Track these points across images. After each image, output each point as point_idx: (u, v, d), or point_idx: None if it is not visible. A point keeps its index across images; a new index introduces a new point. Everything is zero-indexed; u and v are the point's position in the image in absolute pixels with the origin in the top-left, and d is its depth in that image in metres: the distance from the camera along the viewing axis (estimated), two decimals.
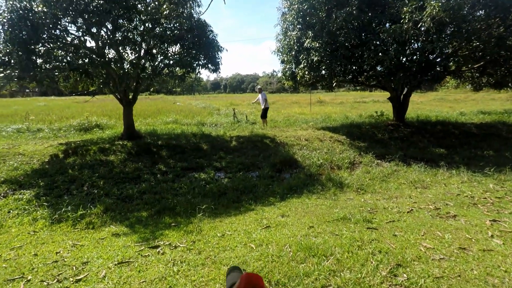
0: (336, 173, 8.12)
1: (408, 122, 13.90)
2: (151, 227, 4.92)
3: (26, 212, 5.67)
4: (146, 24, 9.88)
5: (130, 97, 10.80)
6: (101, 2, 8.09)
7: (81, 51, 9.02)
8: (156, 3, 9.16)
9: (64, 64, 8.90)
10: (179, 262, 3.39)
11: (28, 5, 7.88)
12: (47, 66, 8.92)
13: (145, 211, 5.87)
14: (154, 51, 10.56)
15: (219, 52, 11.08)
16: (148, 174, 7.93)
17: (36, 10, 7.98)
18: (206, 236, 4.17)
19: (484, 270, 3.05)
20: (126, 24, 9.62)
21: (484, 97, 32.68)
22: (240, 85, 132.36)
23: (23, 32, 7.73)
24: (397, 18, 9.21)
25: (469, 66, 10.99)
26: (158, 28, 10.04)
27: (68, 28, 9.10)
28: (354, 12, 9.48)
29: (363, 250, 3.45)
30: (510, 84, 12.32)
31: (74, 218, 5.31)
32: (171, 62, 10.61)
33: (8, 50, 8.15)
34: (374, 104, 29.17)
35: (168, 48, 10.67)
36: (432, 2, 7.98)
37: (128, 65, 10.52)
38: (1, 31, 7.85)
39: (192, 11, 10.13)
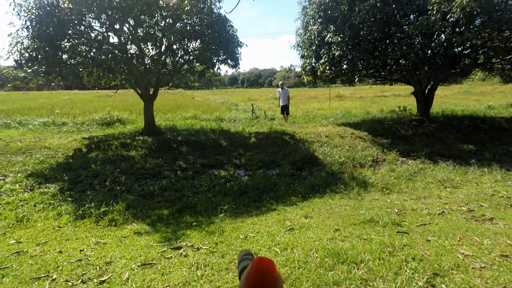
0: (359, 172, 7.88)
1: (433, 117, 13.38)
2: (173, 226, 4.89)
3: (51, 207, 5.76)
4: (167, 20, 9.88)
5: (151, 92, 10.86)
6: None
7: (104, 47, 9.12)
8: None
9: (88, 59, 9.04)
10: (202, 265, 3.31)
11: (55, 1, 8.05)
12: (72, 61, 9.09)
13: (166, 209, 5.85)
14: (175, 46, 10.57)
15: (238, 48, 10.96)
16: (168, 170, 7.94)
17: (62, 6, 8.13)
18: (229, 238, 4.09)
19: None
20: (147, 20, 9.65)
21: None
22: (258, 79, 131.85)
23: (50, 28, 7.90)
24: (423, 10, 8.81)
25: (500, 57, 10.40)
26: (178, 24, 10.02)
27: (92, 24, 9.24)
28: (378, 4, 9.12)
29: (395, 257, 3.27)
30: None
31: (97, 214, 5.35)
32: (191, 57, 10.58)
33: (36, 46, 8.34)
34: (395, 98, 28.39)
35: (189, 44, 10.65)
36: None
37: (149, 61, 10.58)
38: (30, 27, 8.04)
39: (213, 6, 10.03)
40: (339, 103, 23.76)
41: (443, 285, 2.77)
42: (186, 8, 9.25)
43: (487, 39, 9.29)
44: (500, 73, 12.95)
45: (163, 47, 10.34)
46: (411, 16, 9.72)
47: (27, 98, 31.77)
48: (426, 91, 12.84)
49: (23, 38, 8.53)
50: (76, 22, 8.37)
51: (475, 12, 7.80)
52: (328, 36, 10.53)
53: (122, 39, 9.51)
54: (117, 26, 9.31)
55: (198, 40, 10.47)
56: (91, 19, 9.13)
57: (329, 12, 10.80)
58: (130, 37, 9.60)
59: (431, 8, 8.35)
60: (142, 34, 9.70)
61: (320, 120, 14.17)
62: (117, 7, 8.27)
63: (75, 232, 4.76)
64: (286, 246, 3.70)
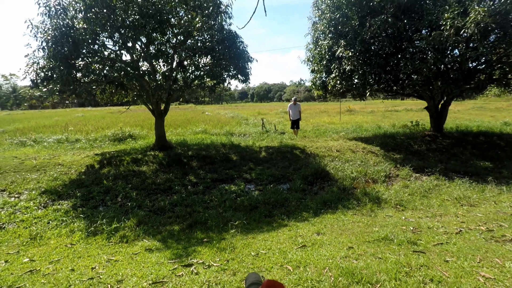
0: (371, 187, 7.74)
1: (447, 133, 13.15)
2: (184, 242, 4.84)
3: (64, 224, 5.81)
4: (179, 37, 10.11)
5: (162, 108, 11.02)
6: (137, 17, 8.38)
7: (117, 65, 9.35)
8: (189, 16, 9.33)
9: (101, 77, 9.27)
10: (214, 284, 3.25)
11: (70, 22, 8.32)
12: (86, 79, 9.32)
13: (177, 224, 5.83)
14: (186, 62, 10.76)
15: (249, 63, 11.08)
16: (179, 185, 7.95)
17: (77, 27, 8.39)
18: (240, 255, 4.01)
19: None
20: (159, 38, 9.90)
21: None
22: (267, 94, 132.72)
23: (65, 48, 8.14)
24: (436, 25, 8.79)
25: None
26: (190, 41, 10.23)
27: (106, 43, 9.50)
28: (389, 19, 9.16)
29: (412, 278, 3.15)
30: None
31: (108, 231, 5.36)
32: (202, 73, 10.74)
33: (51, 66, 8.60)
34: (407, 113, 28.12)
35: (199, 60, 10.84)
36: (476, 7, 7.53)
37: (160, 77, 10.78)
38: (46, 47, 8.31)
39: (224, 23, 10.23)
40: (350, 118, 23.65)
41: None
42: (197, 25, 9.47)
43: (502, 55, 9.18)
44: None
45: (174, 63, 10.54)
46: (423, 31, 9.71)
47: (42, 116, 32.61)
48: (440, 106, 12.68)
49: (39, 59, 8.82)
50: (90, 41, 8.63)
51: (489, 28, 7.75)
52: (338, 50, 10.58)
53: (135, 56, 9.75)
54: (129, 44, 9.56)
55: (209, 56, 10.65)
56: (104, 38, 9.42)
57: (339, 27, 10.89)
58: (142, 54, 9.84)
59: (444, 23, 8.33)
60: (154, 51, 9.95)
61: (330, 134, 14.09)
62: (129, 26, 8.51)
63: (87, 249, 4.76)
64: (298, 264, 3.61)
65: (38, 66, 8.68)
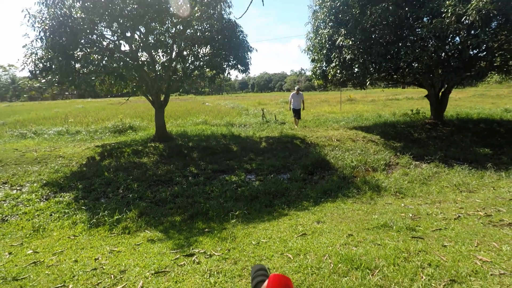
0: (371, 176, 7.78)
1: (447, 121, 13.13)
2: (185, 233, 4.90)
3: (66, 216, 5.87)
4: (178, 27, 10.02)
5: (162, 99, 11.00)
6: (135, 6, 8.29)
7: (115, 55, 9.30)
8: (188, 5, 9.23)
9: (100, 68, 9.22)
10: (215, 272, 3.30)
11: (67, 12, 8.24)
12: (84, 70, 9.28)
13: (178, 215, 5.88)
14: (185, 53, 10.70)
15: (248, 53, 11.02)
16: (180, 176, 7.99)
17: (75, 16, 8.31)
18: (241, 244, 4.07)
19: None
20: (158, 27, 9.81)
21: None
22: (268, 84, 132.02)
23: (63, 38, 8.08)
24: (437, 12, 8.69)
25: None
26: (189, 30, 10.14)
27: (104, 33, 9.44)
28: (390, 7, 9.04)
29: (410, 263, 3.20)
30: None
31: (110, 222, 5.42)
32: (202, 63, 10.68)
33: (49, 56, 8.55)
34: (407, 101, 28.00)
35: (199, 50, 10.78)
36: None
37: (160, 68, 10.73)
38: (43, 38, 8.24)
39: (223, 12, 10.13)
40: (351, 107, 23.58)
41: None
42: (196, 14, 9.37)
43: (504, 42, 9.10)
44: None
45: (174, 53, 10.48)
46: (424, 19, 9.61)
47: (42, 108, 32.58)
48: (440, 94, 12.62)
49: (37, 49, 8.77)
50: (88, 31, 8.57)
51: (491, 15, 7.66)
52: (339, 39, 10.50)
53: (133, 46, 9.68)
54: (128, 34, 9.48)
55: (208, 46, 10.58)
56: (103, 28, 9.35)
57: (340, 15, 10.77)
58: (141, 44, 9.76)
59: (445, 10, 8.23)
60: (153, 41, 9.87)
61: (331, 123, 14.08)
62: (128, 15, 8.42)
63: (90, 240, 4.82)
64: (298, 251, 3.66)
65: (37, 57, 8.64)
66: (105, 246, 4.47)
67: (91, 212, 5.92)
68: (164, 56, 10.79)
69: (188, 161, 9.10)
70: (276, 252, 3.73)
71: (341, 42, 10.42)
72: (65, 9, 8.26)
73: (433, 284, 2.81)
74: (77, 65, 9.13)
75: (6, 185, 7.30)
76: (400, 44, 9.65)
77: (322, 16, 11.65)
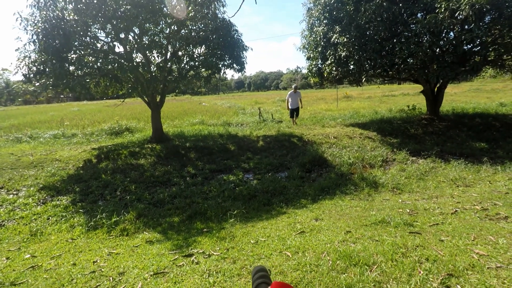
0: (369, 172, 7.80)
1: (443, 116, 13.19)
2: (184, 233, 4.90)
3: (64, 219, 5.84)
4: (172, 27, 9.98)
5: (158, 100, 10.96)
6: (129, 7, 8.24)
7: (110, 57, 9.25)
8: (182, 5, 9.19)
9: (94, 70, 9.17)
10: (214, 272, 3.30)
11: (60, 14, 8.17)
12: (79, 72, 9.23)
13: (176, 216, 5.87)
14: (180, 53, 10.67)
15: (244, 52, 11.01)
16: (177, 177, 7.98)
17: (67, 18, 8.25)
18: (240, 243, 4.07)
19: None
20: (152, 28, 9.77)
21: None
22: (264, 82, 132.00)
23: (56, 41, 8.02)
24: (431, 8, 8.73)
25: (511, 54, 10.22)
26: (183, 30, 10.11)
27: (98, 34, 9.38)
28: (384, 3, 9.08)
29: (408, 258, 3.21)
30: None
31: (109, 225, 5.40)
32: (197, 63, 10.65)
33: (43, 59, 8.49)
34: (404, 97, 28.10)
35: (194, 50, 10.74)
36: None
37: (155, 69, 10.69)
38: (36, 41, 8.18)
39: (217, 11, 10.11)
40: (347, 104, 23.62)
41: (458, 286, 2.71)
42: (190, 14, 9.34)
43: (497, 36, 9.15)
44: (511, 70, 12.71)
45: (169, 54, 10.44)
46: (419, 15, 9.64)
47: (37, 111, 32.38)
48: (436, 89, 12.68)
49: (31, 52, 8.70)
50: (81, 33, 8.51)
51: (484, 9, 7.70)
52: (334, 37, 10.51)
53: (128, 48, 9.63)
54: (122, 35, 9.43)
55: (203, 46, 10.55)
56: (96, 30, 9.29)
57: (334, 13, 10.78)
58: (136, 45, 9.72)
59: (439, 6, 8.26)
60: (147, 42, 9.83)
61: (328, 121, 14.10)
62: (121, 17, 8.38)
63: (88, 243, 4.81)
64: (297, 249, 3.67)
65: (30, 60, 8.57)
66: (103, 249, 4.45)
67: (89, 215, 5.90)
68: (159, 57, 10.75)
69: (185, 161, 9.09)
70: (275, 250, 3.73)
71: (336, 39, 10.44)
72: (57, 12, 8.19)
73: (431, 279, 2.82)
74: (71, 68, 9.07)
75: (3, 190, 7.26)
76: (395, 40, 9.69)
77: (317, 13, 11.66)
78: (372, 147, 9.72)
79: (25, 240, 5.13)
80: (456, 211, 4.76)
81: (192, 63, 10.73)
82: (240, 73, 11.87)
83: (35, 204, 6.60)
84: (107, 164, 8.75)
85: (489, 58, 10.26)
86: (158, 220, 5.70)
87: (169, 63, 10.56)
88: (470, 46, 9.90)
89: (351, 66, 10.96)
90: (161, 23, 9.78)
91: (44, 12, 8.11)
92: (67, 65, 8.73)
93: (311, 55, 12.80)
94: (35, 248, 4.71)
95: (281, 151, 9.72)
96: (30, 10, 8.32)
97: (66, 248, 4.64)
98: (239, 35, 10.90)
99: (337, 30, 10.45)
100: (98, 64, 9.30)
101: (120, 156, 9.31)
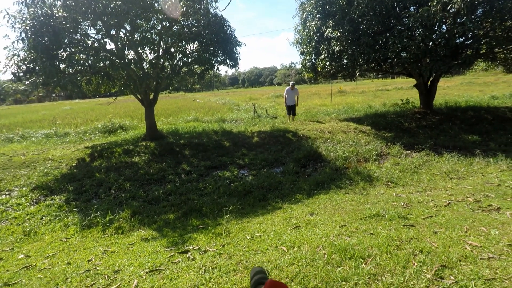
0: (363, 166, 7.84)
1: (436, 109, 13.29)
2: (179, 230, 4.88)
3: (57, 219, 5.79)
4: (164, 23, 9.88)
5: (151, 97, 10.88)
6: (119, 3, 8.13)
7: (101, 54, 9.13)
8: (173, 0, 9.09)
9: (85, 67, 9.05)
10: (210, 268, 3.30)
11: (49, 11, 8.02)
12: (70, 70, 9.10)
13: (172, 213, 5.85)
14: (173, 49, 10.58)
15: (237, 47, 10.96)
16: (172, 174, 7.95)
17: (56, 15, 8.10)
18: (235, 239, 4.07)
19: None
20: (144, 24, 9.66)
21: None
22: (258, 78, 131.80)
23: (45, 38, 7.88)
24: (423, 1, 8.75)
25: (503, 47, 10.30)
26: (175, 26, 10.01)
27: (88, 31, 9.24)
28: None
29: (402, 251, 3.24)
30: None
31: (103, 223, 5.36)
32: (190, 60, 10.58)
33: (32, 57, 8.35)
34: (397, 91, 28.24)
35: (186, 46, 10.66)
36: None
37: (147, 66, 10.59)
38: (25, 38, 8.04)
39: (209, 6, 10.03)
40: (341, 99, 23.68)
41: (451, 277, 2.74)
42: (182, 9, 9.25)
43: (489, 29, 9.20)
44: (503, 63, 12.81)
45: (161, 50, 10.35)
46: (411, 8, 9.67)
47: (29, 110, 32.01)
48: (429, 83, 12.76)
49: (19, 50, 8.54)
50: (71, 30, 8.37)
51: (476, 2, 7.74)
52: (327, 31, 10.49)
53: (119, 44, 9.51)
54: (113, 32, 9.31)
55: (196, 42, 10.47)
56: (86, 27, 9.14)
57: (327, 7, 10.76)
58: (127, 42, 9.60)
59: None
60: (139, 38, 9.71)
61: (322, 116, 14.12)
62: (112, 13, 8.25)
63: (83, 242, 4.77)
64: (293, 244, 3.68)
65: (19, 58, 8.42)
66: (98, 247, 4.42)
67: (83, 213, 5.85)
68: (151, 54, 10.66)
69: (180, 158, 9.05)
70: (271, 245, 3.74)
71: (329, 34, 10.43)
72: (46, 8, 8.04)
73: (425, 270, 2.85)
74: (62, 66, 8.92)
75: None
76: (388, 34, 9.71)
77: (310, 8, 11.63)
78: (366, 142, 9.76)
79: (18, 240, 5.07)
80: (449, 203, 4.81)
81: (185, 59, 10.65)
82: (233, 69, 11.79)
83: (28, 204, 6.53)
84: (101, 163, 8.68)
85: (481, 51, 10.34)
86: (153, 218, 5.67)
87: (161, 60, 10.48)
88: (462, 39, 9.97)
89: (345, 61, 10.97)
90: (152, 19, 9.67)
91: (32, 9, 7.96)
92: (57, 63, 8.59)
93: (305, 50, 12.78)
94: (29, 248, 4.66)
95: (276, 147, 9.73)
96: (17, 7, 8.16)
97: (61, 247, 4.60)
98: (232, 30, 10.84)
99: (330, 24, 10.43)
100: (89, 61, 9.18)
101: (114, 154, 9.25)
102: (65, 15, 8.10)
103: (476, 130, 10.48)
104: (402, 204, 4.97)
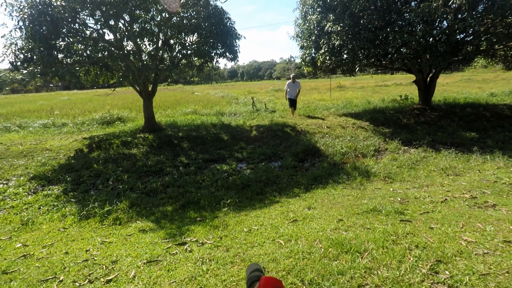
0: (361, 161, 7.86)
1: (435, 106, 13.31)
2: (177, 222, 4.90)
3: (55, 209, 5.79)
4: (163, 14, 9.78)
5: (150, 89, 10.82)
6: None
7: (100, 44, 9.05)
8: None
9: (84, 58, 8.97)
10: (207, 260, 3.32)
11: (47, 0, 7.91)
12: (68, 60, 9.02)
13: (169, 205, 5.87)
14: (172, 41, 10.49)
15: (237, 40, 10.87)
16: (170, 167, 7.95)
17: (55, 4, 8.00)
18: (233, 232, 4.09)
19: None
20: (143, 15, 9.57)
21: None
22: (257, 72, 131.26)
23: (43, 28, 7.79)
24: None
25: (503, 44, 10.28)
26: (175, 18, 9.92)
27: (87, 21, 9.15)
28: None
29: (398, 245, 3.27)
30: None
31: (101, 214, 5.37)
32: (189, 52, 10.50)
33: (30, 47, 8.26)
34: (396, 87, 28.21)
35: (186, 38, 10.58)
36: None
37: (146, 57, 10.51)
38: (23, 27, 7.94)
39: None
40: (340, 94, 23.65)
41: (446, 272, 2.77)
42: (182, 0, 9.16)
43: (490, 26, 9.17)
44: (502, 60, 12.80)
45: (160, 42, 10.26)
46: (412, 3, 9.61)
47: (26, 100, 31.77)
48: (428, 79, 12.74)
49: (17, 39, 8.44)
50: (69, 20, 8.27)
51: None
52: (327, 25, 10.43)
53: (118, 35, 9.42)
54: (112, 23, 9.21)
55: (195, 34, 10.39)
56: (85, 17, 9.03)
57: (328, 0, 10.67)
58: (126, 33, 9.51)
59: None
60: (138, 29, 9.62)
61: (321, 111, 14.11)
62: (111, 3, 8.16)
63: (81, 232, 4.78)
64: (290, 237, 3.70)
65: (17, 47, 8.34)
66: (96, 238, 4.43)
67: (81, 204, 5.86)
68: (150, 45, 10.57)
69: (178, 151, 9.05)
70: (268, 238, 3.76)
71: (329, 28, 10.36)
72: None
73: (420, 265, 2.88)
74: (60, 55, 8.84)
75: None
76: (388, 29, 9.67)
77: (310, 1, 11.54)
78: (364, 137, 9.78)
79: (16, 229, 5.08)
80: (446, 199, 4.84)
81: (184, 51, 10.57)
82: (233, 62, 11.73)
83: (25, 193, 6.53)
84: (99, 154, 8.67)
85: (481, 48, 10.31)
86: (151, 209, 5.68)
87: (160, 52, 10.39)
88: (462, 36, 9.93)
89: (345, 55, 10.93)
90: (152, 10, 9.57)
91: None
92: (55, 52, 8.51)
93: (305, 44, 12.71)
94: (27, 237, 4.67)
95: (274, 141, 9.73)
96: None
97: (58, 237, 4.61)
98: (232, 23, 10.75)
99: (331, 18, 10.36)
100: (88, 52, 9.10)
101: (112, 145, 9.22)
102: (64, 4, 8.00)
103: (474, 127, 10.52)
104: (399, 199, 5.00)
